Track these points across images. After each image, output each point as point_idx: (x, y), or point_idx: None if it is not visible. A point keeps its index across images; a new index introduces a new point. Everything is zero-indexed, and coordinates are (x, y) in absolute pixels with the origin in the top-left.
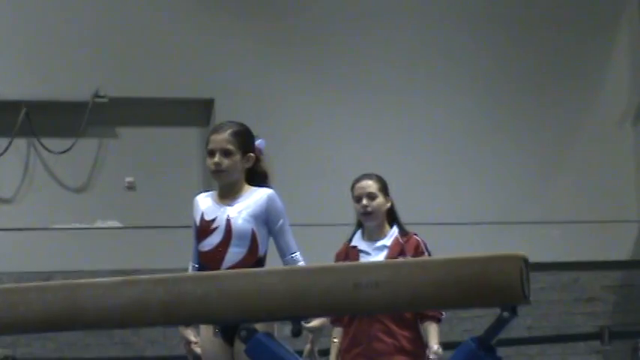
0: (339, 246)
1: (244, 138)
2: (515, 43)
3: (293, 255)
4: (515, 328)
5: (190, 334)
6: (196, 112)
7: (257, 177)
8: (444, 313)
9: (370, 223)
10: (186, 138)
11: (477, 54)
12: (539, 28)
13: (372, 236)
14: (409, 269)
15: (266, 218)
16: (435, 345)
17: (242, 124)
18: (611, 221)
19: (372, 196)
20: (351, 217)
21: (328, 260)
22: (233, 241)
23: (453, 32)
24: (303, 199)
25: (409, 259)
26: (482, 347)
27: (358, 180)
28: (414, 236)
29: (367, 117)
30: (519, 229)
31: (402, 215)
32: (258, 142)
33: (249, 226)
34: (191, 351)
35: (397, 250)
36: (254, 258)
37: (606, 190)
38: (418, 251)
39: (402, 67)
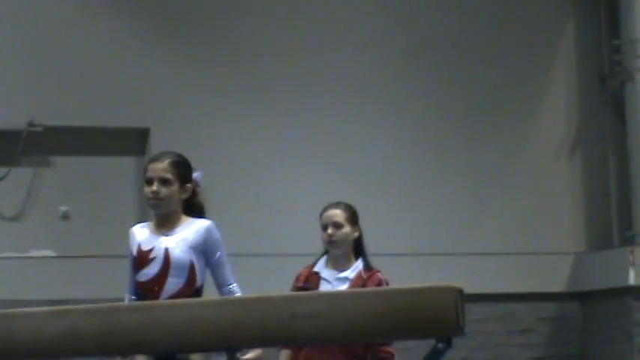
0: (276, 275)
1: (183, 168)
2: (455, 74)
3: (230, 286)
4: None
5: None
6: (132, 141)
7: (193, 209)
8: (394, 352)
9: (335, 251)
10: (121, 167)
11: (420, 83)
12: (479, 59)
13: (337, 265)
14: (345, 300)
15: (204, 249)
16: None
17: (180, 155)
18: (546, 253)
19: (338, 225)
20: (287, 247)
21: (266, 290)
22: (171, 271)
23: (395, 60)
24: (239, 228)
25: (345, 290)
26: None
27: (326, 209)
28: (377, 273)
29: (305, 143)
30: (456, 260)
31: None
32: (195, 175)
33: (187, 257)
34: None
35: (359, 284)
36: (192, 289)
37: (541, 221)
38: (380, 285)
39: (340, 93)
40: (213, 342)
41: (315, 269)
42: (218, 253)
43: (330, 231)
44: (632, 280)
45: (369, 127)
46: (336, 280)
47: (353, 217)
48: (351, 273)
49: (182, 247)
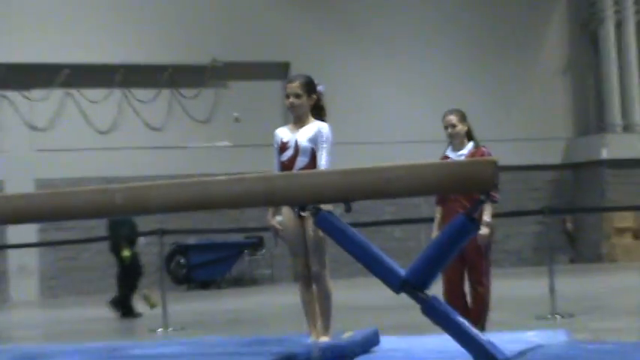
0: (379, 157)
1: (308, 85)
2: (481, 21)
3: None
4: None
5: (275, 222)
6: (278, 70)
7: (319, 111)
8: (498, 196)
9: (454, 141)
10: (272, 88)
11: (464, 30)
12: (501, 15)
13: (456, 148)
14: (421, 168)
15: (316, 139)
16: (486, 218)
17: (307, 76)
18: (549, 138)
19: (453, 125)
20: (387, 136)
21: None
22: (300, 153)
23: (447, 20)
24: (349, 122)
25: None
26: (468, 218)
27: (445, 115)
28: (482, 148)
29: (390, 68)
30: (489, 144)
31: (401, 130)
32: (319, 87)
33: (309, 145)
34: (276, 231)
35: (470, 156)
36: (314, 165)
37: (545, 120)
38: (483, 156)
39: (412, 37)
40: (336, 196)
41: (446, 153)
42: (322, 145)
43: (449, 130)
44: (604, 155)
45: (433, 58)
46: (457, 157)
47: (462, 117)
48: (465, 150)
49: (305, 139)
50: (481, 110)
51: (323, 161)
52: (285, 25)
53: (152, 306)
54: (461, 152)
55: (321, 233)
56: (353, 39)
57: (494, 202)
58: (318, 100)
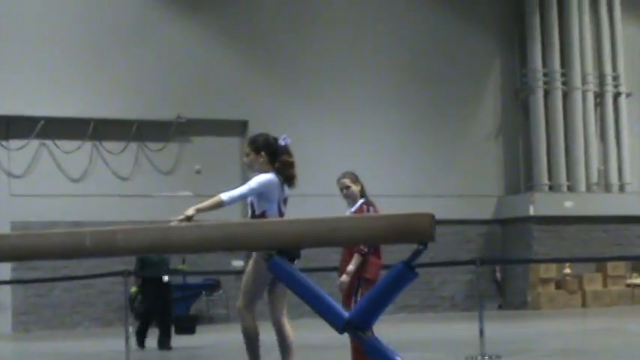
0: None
1: (254, 144)
2: (424, 92)
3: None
4: (424, 256)
5: (191, 212)
6: (236, 128)
7: (280, 163)
8: (366, 249)
9: (349, 200)
10: (230, 144)
11: (400, 99)
12: (440, 81)
13: (350, 206)
14: (364, 220)
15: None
16: (351, 267)
17: (256, 135)
18: (482, 195)
19: (347, 187)
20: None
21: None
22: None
23: (386, 87)
24: (301, 178)
25: (368, 214)
26: (407, 267)
27: (339, 178)
28: (364, 205)
29: (341, 127)
30: (427, 198)
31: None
32: (281, 141)
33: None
34: (188, 220)
35: (357, 212)
36: (258, 215)
37: (479, 178)
38: (363, 211)
39: (358, 97)
40: (287, 243)
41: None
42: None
43: (344, 192)
44: (531, 211)
45: (380, 123)
46: (350, 214)
47: (355, 179)
48: (354, 208)
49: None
50: (422, 169)
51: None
52: (245, 86)
53: None
54: (352, 209)
55: (251, 274)
56: (307, 102)
57: (361, 254)
58: (274, 154)
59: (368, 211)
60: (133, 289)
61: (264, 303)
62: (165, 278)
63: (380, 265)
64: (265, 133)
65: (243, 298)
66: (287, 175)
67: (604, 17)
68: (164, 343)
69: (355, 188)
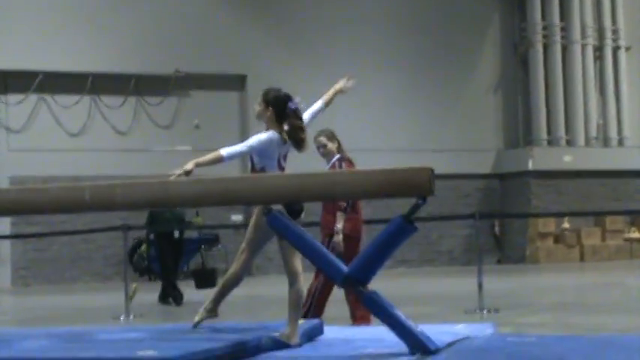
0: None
1: (265, 96)
2: (423, 45)
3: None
4: (422, 210)
5: (191, 166)
6: (235, 82)
7: (289, 125)
8: (345, 205)
9: (326, 157)
10: (228, 98)
11: (399, 53)
12: (442, 40)
13: (328, 162)
14: (364, 174)
15: None
16: (338, 225)
17: (268, 89)
18: (480, 150)
19: (324, 145)
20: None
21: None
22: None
23: (385, 41)
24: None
25: (363, 169)
26: (406, 221)
27: (315, 137)
28: (336, 162)
29: (336, 79)
30: (426, 154)
31: (352, 139)
32: (290, 104)
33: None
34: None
35: (331, 168)
36: (256, 169)
37: (478, 132)
38: (335, 168)
39: (353, 46)
40: (286, 197)
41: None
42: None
43: (321, 150)
44: (530, 166)
45: (380, 77)
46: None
47: (331, 136)
48: (329, 164)
49: None
50: (420, 124)
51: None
52: (244, 40)
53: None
54: (328, 166)
55: (251, 228)
56: (305, 55)
57: (343, 211)
58: (281, 114)
59: (340, 167)
60: (143, 247)
61: (264, 258)
62: (176, 234)
63: (359, 220)
64: (278, 90)
65: (245, 249)
66: (296, 139)
67: None
68: (164, 298)
69: (332, 146)
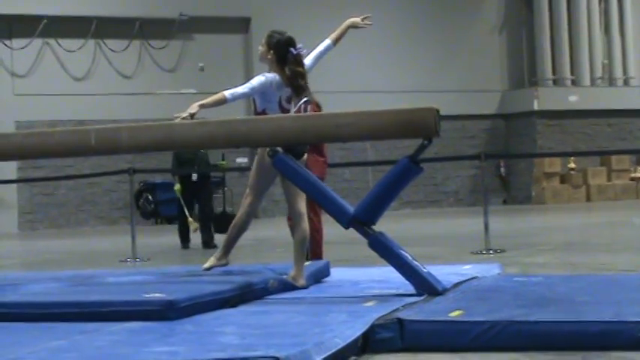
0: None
1: (268, 39)
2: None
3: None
4: (428, 152)
5: (194, 109)
6: (239, 24)
7: (290, 72)
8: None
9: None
10: (232, 41)
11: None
12: None
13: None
14: (369, 116)
15: None
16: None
17: (271, 31)
18: (485, 90)
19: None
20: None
21: None
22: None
23: None
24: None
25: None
26: (412, 162)
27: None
28: (302, 105)
29: (340, 21)
30: (431, 95)
31: (357, 81)
32: (291, 49)
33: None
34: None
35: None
36: (259, 112)
37: (483, 72)
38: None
39: None
40: (291, 139)
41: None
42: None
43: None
44: (535, 106)
45: (384, 20)
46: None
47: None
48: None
49: None
50: (424, 64)
51: (235, 88)
52: None
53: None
54: (294, 109)
55: (254, 169)
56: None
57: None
58: (282, 58)
59: (305, 111)
60: (177, 187)
61: (270, 201)
62: (194, 177)
63: (324, 162)
64: (282, 33)
65: (249, 193)
66: (294, 85)
67: None
68: (207, 242)
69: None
